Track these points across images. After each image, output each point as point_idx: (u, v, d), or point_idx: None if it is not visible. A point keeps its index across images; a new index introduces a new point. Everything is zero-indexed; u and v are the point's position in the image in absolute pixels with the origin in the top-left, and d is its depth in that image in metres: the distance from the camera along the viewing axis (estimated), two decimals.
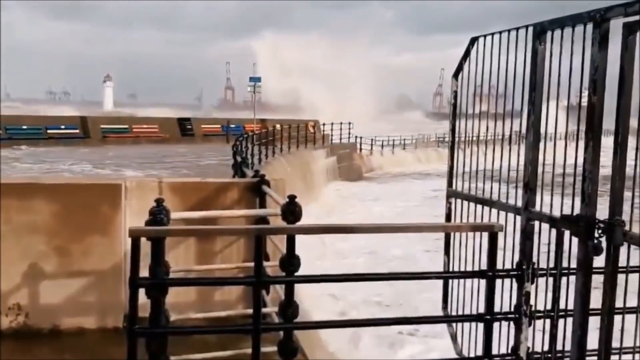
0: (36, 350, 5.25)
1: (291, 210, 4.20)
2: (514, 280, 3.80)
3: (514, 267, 3.79)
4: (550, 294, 3.69)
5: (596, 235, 3.27)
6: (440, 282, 4.65)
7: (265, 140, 25.46)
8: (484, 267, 3.77)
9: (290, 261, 3.57)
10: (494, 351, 3.77)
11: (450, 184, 4.86)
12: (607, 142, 3.27)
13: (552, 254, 3.64)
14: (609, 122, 3.25)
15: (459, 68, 4.66)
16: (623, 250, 3.26)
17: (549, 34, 3.63)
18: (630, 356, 3.44)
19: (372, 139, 46.29)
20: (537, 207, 3.82)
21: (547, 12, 3.53)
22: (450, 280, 4.66)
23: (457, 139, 4.82)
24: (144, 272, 3.33)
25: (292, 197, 4.26)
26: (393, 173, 44.51)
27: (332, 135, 39.53)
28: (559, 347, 3.67)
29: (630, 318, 3.33)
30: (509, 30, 3.96)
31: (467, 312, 4.11)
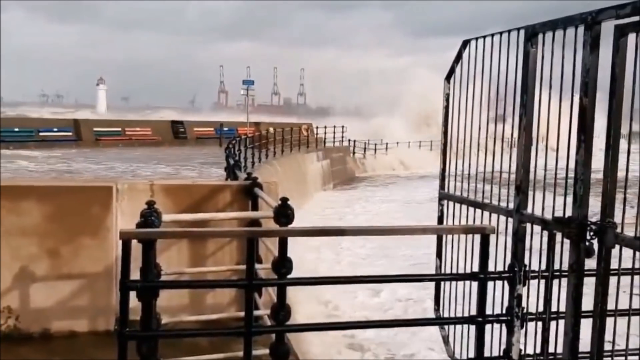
0: (27, 353, 5.21)
1: (283, 213, 4.19)
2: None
3: (506, 269, 3.79)
4: (542, 296, 3.69)
5: (588, 237, 3.27)
6: None
7: (259, 144, 25.47)
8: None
9: (283, 263, 3.56)
10: (486, 353, 3.76)
11: (442, 186, 4.86)
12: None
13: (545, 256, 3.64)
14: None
15: (451, 71, 4.66)
16: (615, 252, 3.27)
17: (540, 36, 3.64)
18: (622, 358, 3.44)
19: (365, 142, 46.36)
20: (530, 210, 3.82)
21: (547, 14, 3.53)
22: (442, 283, 4.66)
23: (449, 142, 4.82)
24: (136, 275, 3.31)
25: (284, 200, 4.25)
26: (387, 176, 44.52)
27: (325, 138, 39.60)
28: (551, 349, 3.67)
29: (623, 320, 3.33)
30: (500, 33, 3.97)
31: (459, 314, 4.11)
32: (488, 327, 3.73)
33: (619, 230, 3.22)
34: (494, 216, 4.09)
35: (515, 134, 3.90)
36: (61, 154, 30.75)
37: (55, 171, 23.11)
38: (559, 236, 3.46)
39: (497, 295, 3.88)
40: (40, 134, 36.12)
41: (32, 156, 28.27)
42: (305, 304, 11.59)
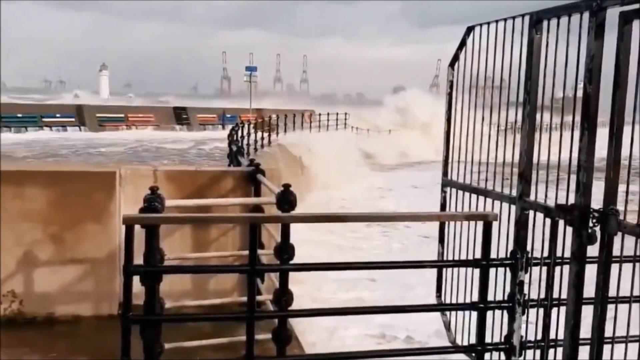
0: (31, 337, 5.25)
1: (286, 199, 4.19)
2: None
3: (508, 256, 3.79)
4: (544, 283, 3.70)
5: (590, 224, 3.27)
6: None
7: (261, 130, 25.41)
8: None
9: (285, 249, 3.57)
10: (487, 340, 3.78)
11: (445, 173, 4.86)
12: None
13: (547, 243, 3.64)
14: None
15: (455, 57, 4.64)
16: (617, 239, 3.27)
17: (545, 23, 3.62)
18: (623, 345, 3.45)
19: (367, 129, 46.26)
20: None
21: (556, 2, 3.50)
22: (444, 269, 4.66)
23: (452, 129, 4.81)
24: (139, 260, 3.33)
25: (286, 186, 4.26)
26: (391, 164, 44.33)
27: (328, 124, 39.52)
28: (552, 336, 3.68)
29: (623, 307, 3.34)
30: (505, 19, 3.94)
31: (461, 300, 4.12)
32: (490, 313, 3.75)
33: (621, 217, 3.22)
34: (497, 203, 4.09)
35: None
36: None
37: None
38: (561, 223, 3.46)
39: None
40: (43, 119, 36.10)
41: None
42: None
